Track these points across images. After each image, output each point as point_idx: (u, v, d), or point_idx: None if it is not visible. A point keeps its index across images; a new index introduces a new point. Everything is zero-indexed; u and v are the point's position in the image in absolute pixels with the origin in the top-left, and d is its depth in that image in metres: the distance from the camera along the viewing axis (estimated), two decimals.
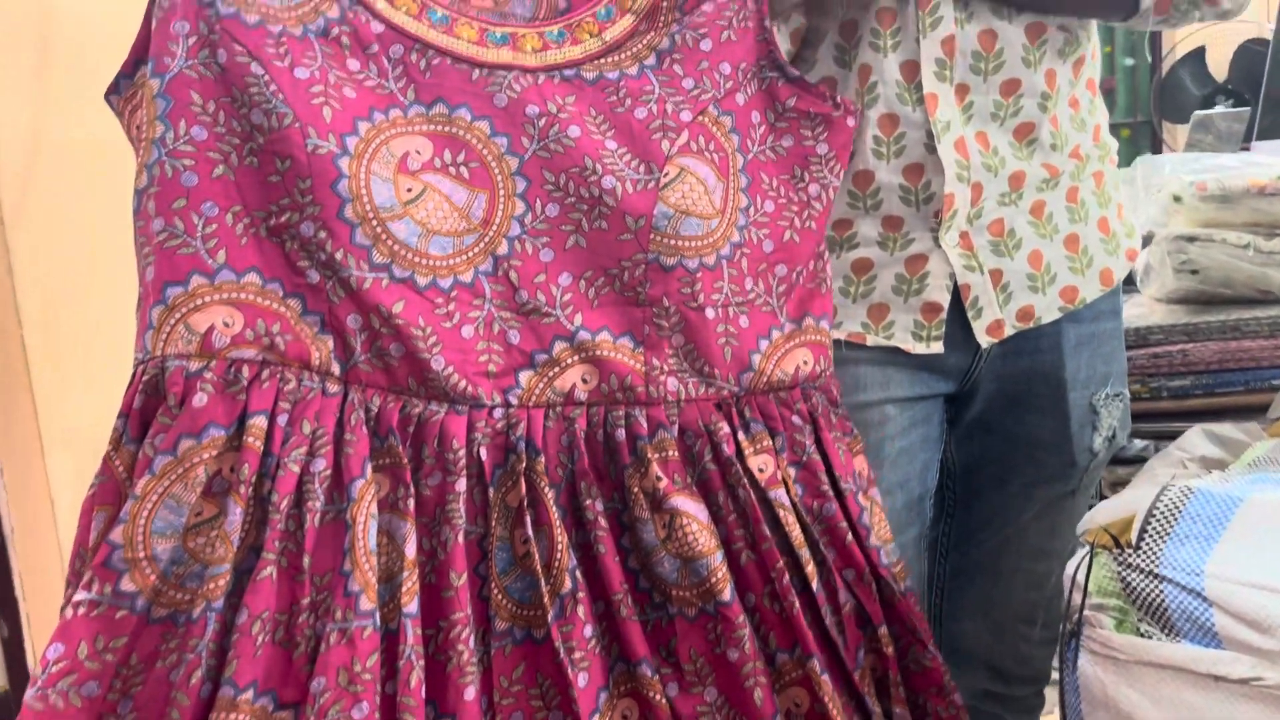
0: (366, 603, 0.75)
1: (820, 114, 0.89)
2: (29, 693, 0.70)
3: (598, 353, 0.83)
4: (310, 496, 0.76)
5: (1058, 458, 1.04)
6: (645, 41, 0.86)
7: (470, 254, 0.82)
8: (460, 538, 0.79)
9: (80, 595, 0.72)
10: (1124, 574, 0.75)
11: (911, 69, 0.91)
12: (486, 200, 0.82)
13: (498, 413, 0.82)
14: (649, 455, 0.83)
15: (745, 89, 0.88)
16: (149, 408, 0.76)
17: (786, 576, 0.84)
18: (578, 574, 0.81)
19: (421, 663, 0.76)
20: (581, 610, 0.80)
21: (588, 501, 0.82)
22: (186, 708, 0.72)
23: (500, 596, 0.81)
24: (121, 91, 0.82)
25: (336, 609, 0.75)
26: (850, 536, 0.87)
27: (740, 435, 0.86)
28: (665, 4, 0.86)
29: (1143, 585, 0.74)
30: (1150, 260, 1.26)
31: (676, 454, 0.84)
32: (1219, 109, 2.21)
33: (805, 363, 0.89)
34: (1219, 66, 3.51)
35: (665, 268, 0.84)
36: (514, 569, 0.81)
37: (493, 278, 0.82)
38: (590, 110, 0.84)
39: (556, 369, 0.83)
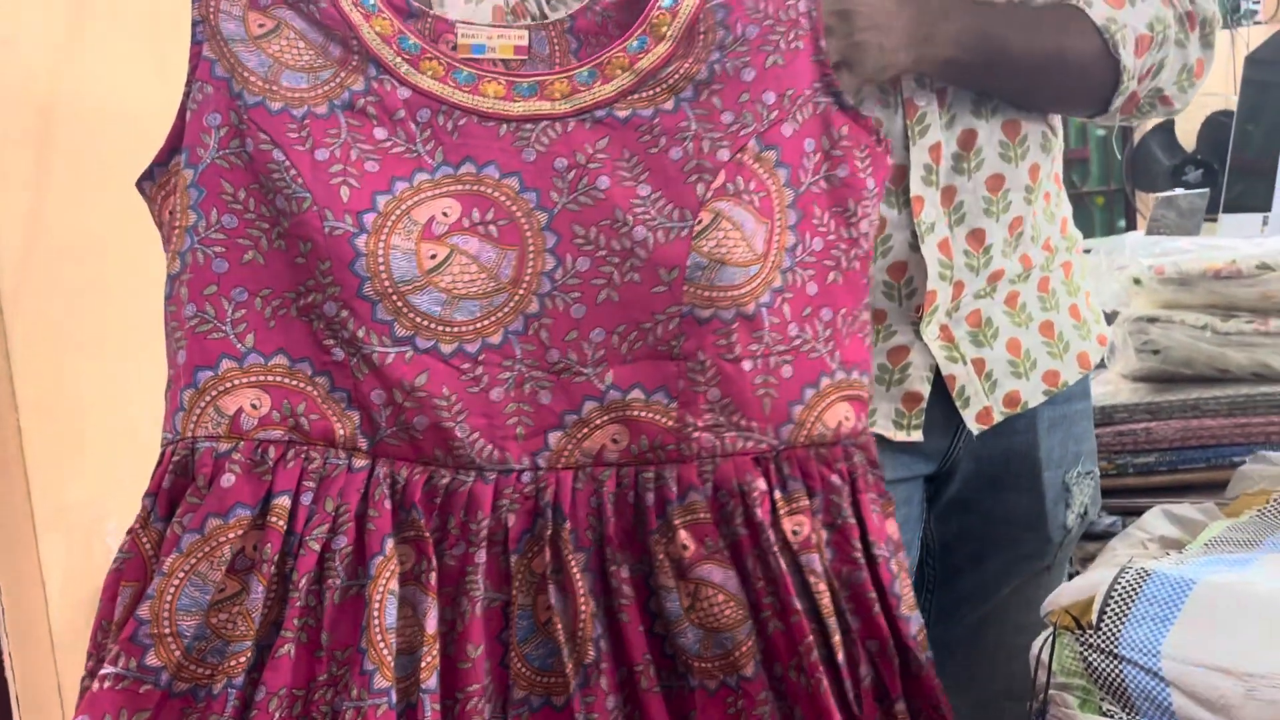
0: (381, 680, 0.76)
1: (869, 146, 0.86)
2: None
3: (629, 412, 0.82)
4: (331, 574, 0.78)
5: (1034, 534, 1.08)
6: (681, 71, 0.83)
7: (500, 314, 0.82)
8: (478, 609, 0.79)
9: (106, 669, 0.74)
10: (1085, 654, 0.78)
11: (900, 174, 0.95)
12: (516, 258, 0.82)
13: (526, 476, 0.82)
14: (675, 521, 0.81)
15: (795, 116, 0.84)
16: (177, 488, 0.79)
17: (815, 651, 0.81)
18: (601, 644, 0.80)
19: None
20: (604, 681, 0.79)
21: (613, 568, 0.81)
22: None
23: (519, 665, 0.81)
24: (155, 179, 0.85)
25: (353, 686, 0.76)
26: (878, 606, 0.83)
27: (777, 493, 0.82)
28: (703, 27, 0.82)
29: (1103, 665, 0.77)
30: (1114, 339, 1.31)
31: (708, 516, 0.81)
32: (1180, 191, 2.29)
33: (847, 418, 0.85)
34: (1187, 137, 3.62)
35: (700, 320, 0.82)
36: (535, 636, 0.81)
37: (523, 337, 0.82)
38: (623, 153, 0.82)
39: (586, 430, 0.82)
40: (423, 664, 0.77)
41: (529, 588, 0.81)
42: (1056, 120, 1.05)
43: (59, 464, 1.31)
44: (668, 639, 0.82)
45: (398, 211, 0.81)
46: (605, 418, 0.82)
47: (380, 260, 0.80)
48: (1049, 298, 1.04)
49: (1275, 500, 0.94)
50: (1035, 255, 1.02)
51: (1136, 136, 3.78)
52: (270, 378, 0.80)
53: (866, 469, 0.85)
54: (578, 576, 0.80)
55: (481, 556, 0.80)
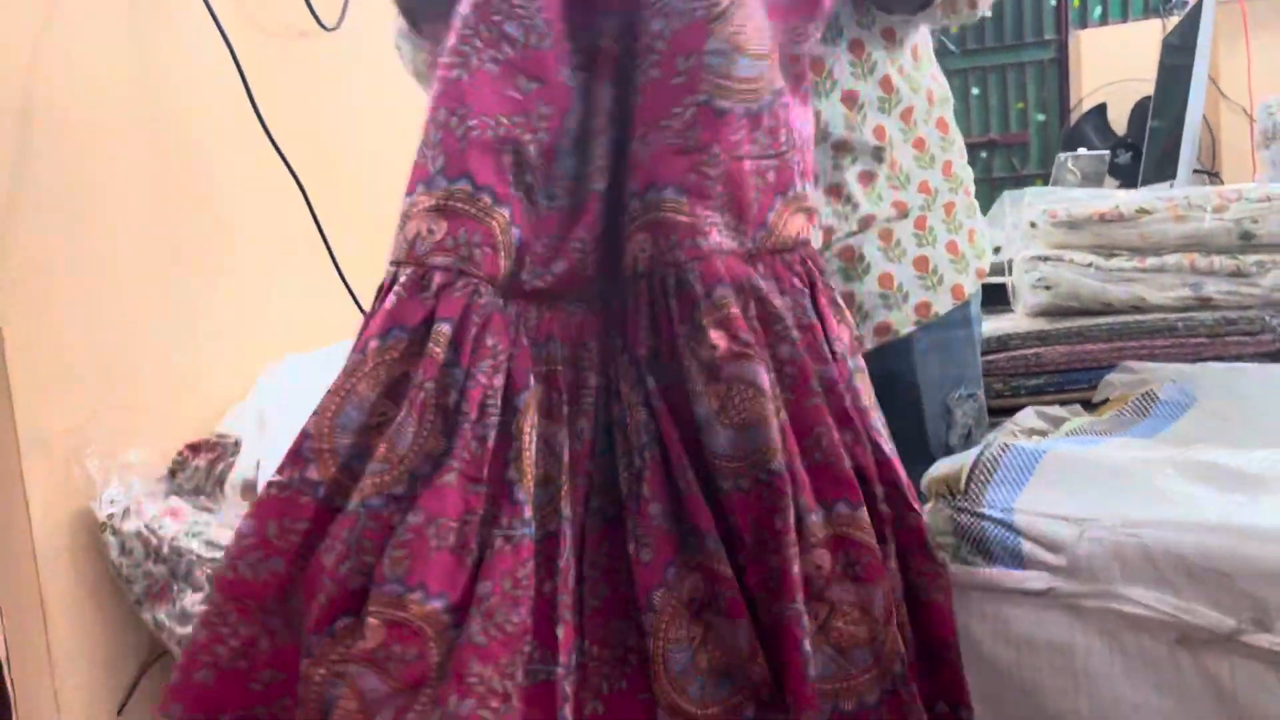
0: (528, 511, 0.76)
1: None
2: (220, 563, 0.74)
3: (648, 215, 0.81)
4: (492, 411, 0.77)
5: (917, 452, 1.17)
6: None
7: (598, 162, 0.82)
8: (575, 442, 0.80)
9: (275, 477, 0.75)
10: (954, 515, 0.90)
11: None
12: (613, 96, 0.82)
13: (613, 303, 0.82)
14: (703, 320, 0.79)
15: None
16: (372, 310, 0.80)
17: (833, 433, 0.81)
18: (645, 454, 0.79)
19: (575, 563, 0.78)
20: (646, 488, 0.78)
21: (649, 377, 0.80)
22: (334, 595, 0.73)
23: (600, 478, 0.82)
24: None
25: (503, 516, 0.76)
26: (848, 400, 0.84)
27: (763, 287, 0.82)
28: None
29: (968, 523, 0.90)
30: (1014, 280, 1.44)
31: (737, 310, 0.80)
32: (1082, 152, 2.44)
33: (803, 228, 0.86)
34: (1119, 121, 3.78)
35: (717, 112, 0.80)
36: (609, 452, 0.81)
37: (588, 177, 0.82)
38: None
39: (624, 244, 0.82)
40: (560, 493, 0.78)
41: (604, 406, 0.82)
42: (898, 79, 1.11)
43: (43, 394, 1.38)
44: (705, 445, 0.80)
45: None
46: (632, 226, 0.81)
47: (575, 119, 0.80)
48: (925, 235, 1.12)
49: (1133, 401, 1.08)
50: (911, 199, 1.10)
51: (1072, 119, 3.94)
52: (450, 202, 0.78)
53: (819, 275, 0.87)
54: (626, 388, 0.80)
55: (593, 380, 0.81)
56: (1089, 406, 1.20)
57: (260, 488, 0.79)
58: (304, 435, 0.75)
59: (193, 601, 1.41)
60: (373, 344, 0.76)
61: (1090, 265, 1.34)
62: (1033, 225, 1.39)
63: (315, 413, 0.76)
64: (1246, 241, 1.28)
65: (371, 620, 0.71)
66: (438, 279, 0.77)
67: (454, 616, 0.73)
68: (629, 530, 0.78)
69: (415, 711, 0.71)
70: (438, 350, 0.75)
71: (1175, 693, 0.78)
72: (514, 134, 0.79)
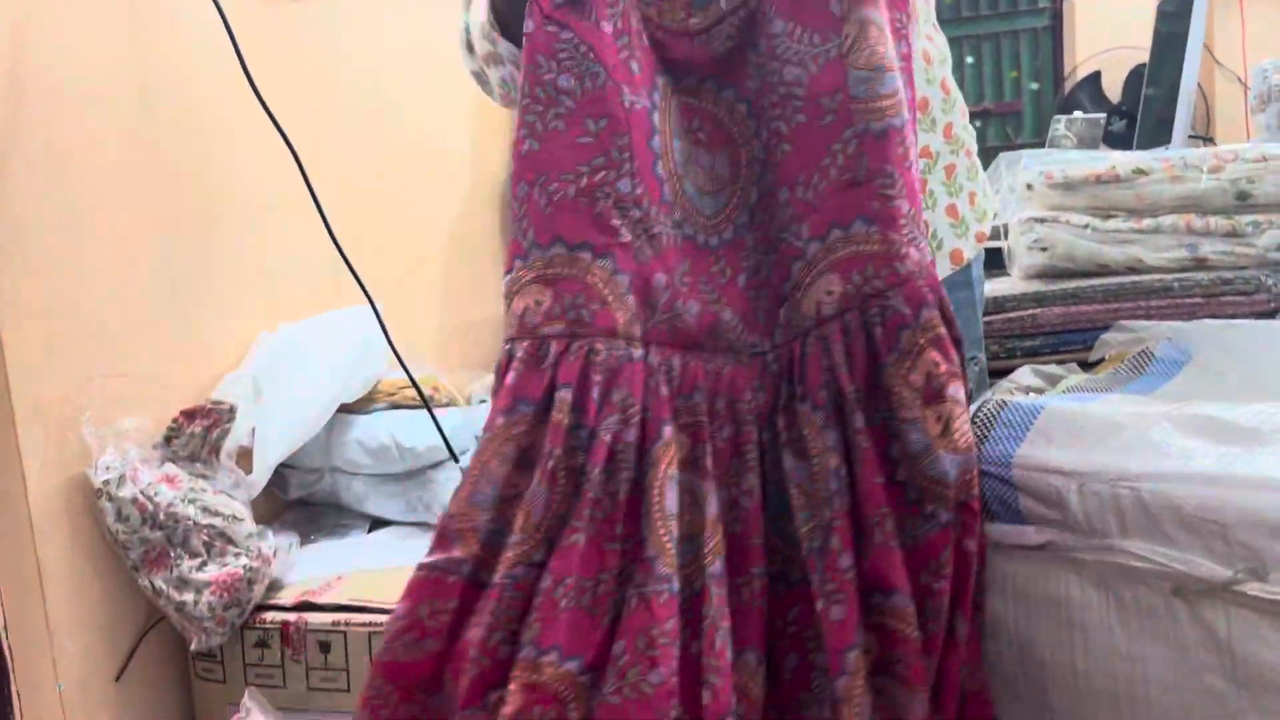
0: (663, 567, 0.75)
1: None
2: (380, 646, 0.76)
3: (832, 255, 0.79)
4: (624, 466, 0.76)
5: None
6: None
7: (729, 210, 0.82)
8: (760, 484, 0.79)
9: (424, 559, 0.77)
10: None
11: None
12: (728, 156, 0.82)
13: (770, 356, 0.81)
14: (918, 342, 0.78)
15: None
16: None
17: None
18: (835, 503, 0.77)
19: (726, 624, 0.76)
20: (836, 540, 0.76)
21: (850, 419, 0.78)
22: (485, 669, 0.74)
23: (773, 539, 0.80)
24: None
25: (636, 574, 0.75)
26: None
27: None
28: None
29: None
30: (1010, 243, 1.44)
31: (944, 332, 0.79)
32: (1079, 115, 2.43)
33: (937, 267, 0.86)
34: (1113, 89, 3.77)
35: (876, 135, 0.79)
36: (782, 511, 0.80)
37: (751, 226, 0.82)
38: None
39: (799, 293, 0.80)
40: (705, 549, 0.76)
41: (775, 461, 0.81)
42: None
43: (36, 361, 1.38)
44: (911, 481, 0.78)
45: (670, 95, 0.81)
46: (812, 272, 0.79)
47: (668, 140, 0.79)
48: (927, 198, 1.10)
49: (1129, 359, 1.08)
50: None
51: (1066, 88, 3.93)
52: (550, 270, 0.77)
53: None
54: (812, 437, 0.78)
55: (753, 435, 0.80)
56: (1085, 366, 1.20)
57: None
58: (448, 516, 0.77)
59: (190, 567, 1.41)
60: (499, 420, 0.77)
61: (1086, 227, 1.34)
62: (1029, 187, 1.39)
63: (454, 494, 0.77)
64: (1242, 202, 1.28)
65: (511, 686, 0.72)
66: (553, 348, 0.77)
67: (591, 678, 0.73)
68: (817, 587, 0.76)
69: None
70: (560, 416, 0.76)
71: (1171, 643, 0.79)
72: (598, 179, 0.78)
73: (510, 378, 0.77)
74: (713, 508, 0.78)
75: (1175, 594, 0.78)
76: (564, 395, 0.76)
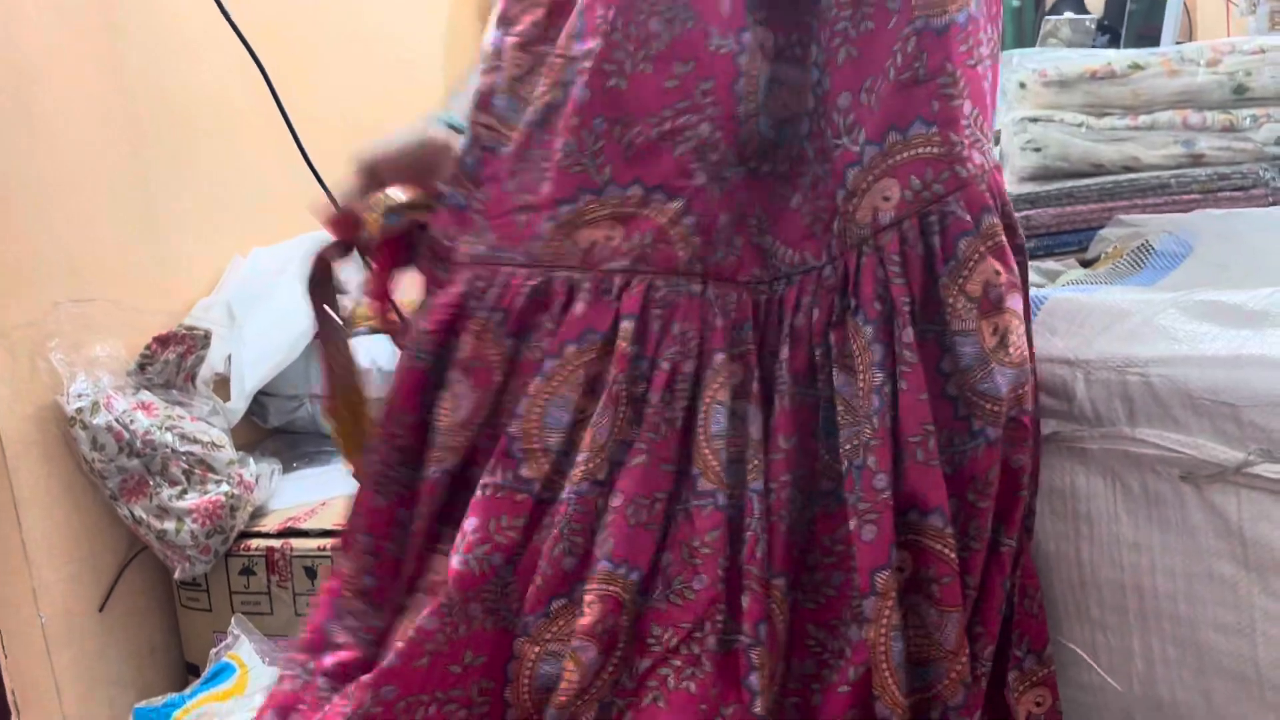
0: (705, 484, 0.78)
1: None
2: (454, 557, 0.78)
3: (889, 160, 0.76)
4: (681, 395, 0.79)
5: None
6: None
7: (796, 127, 0.80)
8: (786, 403, 0.79)
9: (487, 479, 0.79)
10: None
11: None
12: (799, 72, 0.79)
13: (826, 270, 0.79)
14: (978, 250, 0.76)
15: None
16: (527, 309, 0.80)
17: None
18: (875, 421, 0.76)
19: (766, 536, 0.78)
20: (873, 459, 0.76)
21: (899, 333, 0.76)
22: (549, 577, 0.77)
23: (827, 456, 0.80)
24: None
25: (683, 491, 0.79)
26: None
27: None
28: None
29: None
30: (1003, 145, 1.40)
31: (1004, 239, 0.77)
32: (1069, 15, 2.38)
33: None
34: (1096, 3, 3.71)
35: (938, 30, 0.75)
36: (834, 428, 0.80)
37: (811, 136, 0.80)
38: None
39: (855, 200, 0.77)
40: (749, 466, 0.78)
41: (830, 379, 0.80)
42: None
43: (1, 287, 1.34)
44: (963, 396, 0.77)
45: (760, 31, 0.78)
46: (868, 179, 0.77)
47: (755, 81, 0.78)
48: None
49: (1128, 254, 1.05)
50: None
51: (1048, 3, 3.87)
52: (625, 209, 0.79)
53: None
54: (859, 351, 0.77)
55: (785, 352, 0.79)
56: (1083, 265, 1.17)
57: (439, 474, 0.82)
58: (510, 439, 0.79)
59: (170, 495, 1.39)
60: (570, 349, 0.79)
61: (1081, 125, 1.30)
62: (1022, 86, 1.35)
63: (519, 417, 0.79)
64: (1240, 95, 1.24)
65: (589, 597, 0.76)
66: (617, 281, 0.79)
67: (642, 585, 0.78)
68: (852, 505, 0.76)
69: (608, 672, 0.76)
70: (625, 344, 0.78)
71: (1179, 529, 0.77)
72: (681, 122, 0.78)
73: (579, 308, 0.79)
74: (756, 429, 0.79)
75: (1184, 480, 0.77)
76: (627, 325, 0.78)
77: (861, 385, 0.77)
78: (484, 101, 0.83)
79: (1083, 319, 0.84)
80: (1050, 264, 1.07)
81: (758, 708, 0.75)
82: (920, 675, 0.79)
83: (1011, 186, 1.38)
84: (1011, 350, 0.75)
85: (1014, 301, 0.76)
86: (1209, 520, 0.76)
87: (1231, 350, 0.76)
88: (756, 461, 0.79)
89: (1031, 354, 0.79)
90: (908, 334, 0.76)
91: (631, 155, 0.78)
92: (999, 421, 0.75)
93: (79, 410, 1.35)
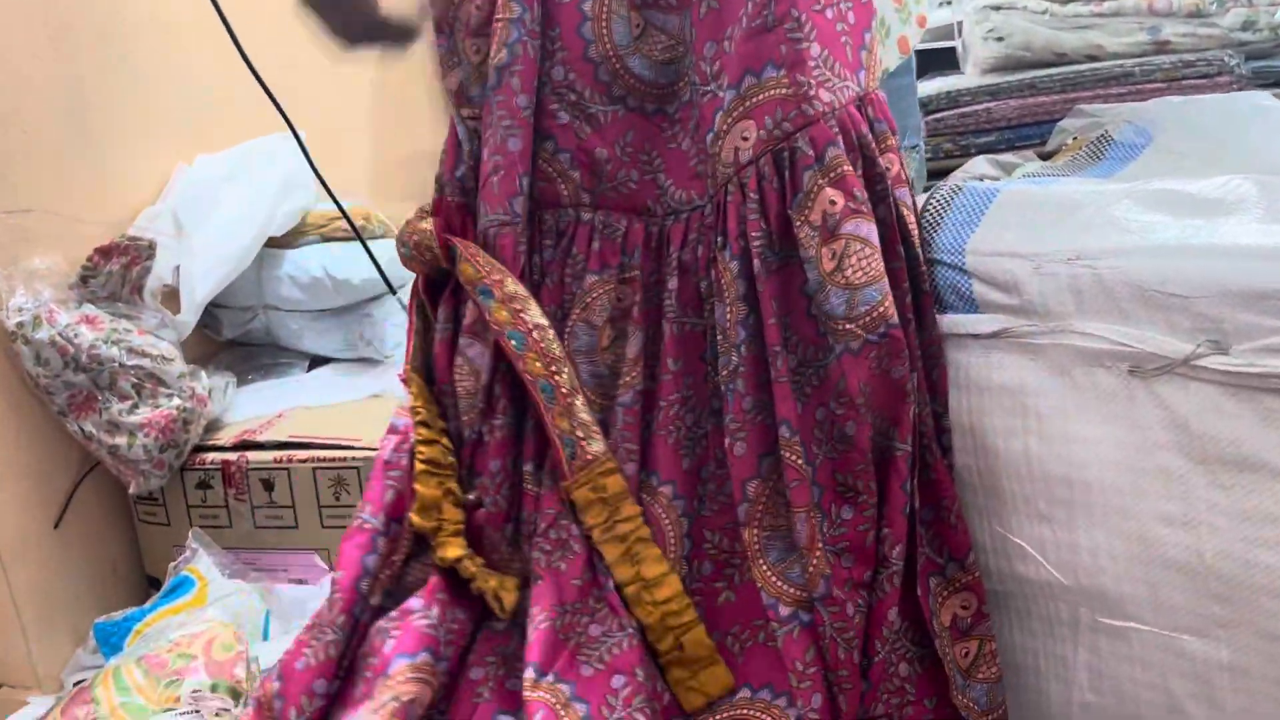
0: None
1: None
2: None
3: (746, 103, 0.82)
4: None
5: None
6: None
7: (687, 74, 0.86)
8: (674, 329, 0.87)
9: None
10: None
11: None
12: (680, 21, 0.85)
13: (708, 208, 0.86)
14: (818, 182, 0.81)
15: None
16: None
17: (909, 296, 0.85)
18: (743, 349, 0.84)
19: (637, 445, 0.88)
20: (741, 383, 0.84)
21: (756, 263, 0.83)
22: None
23: (716, 380, 0.87)
24: None
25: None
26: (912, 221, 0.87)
27: (869, 136, 0.85)
28: None
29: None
30: (965, 38, 1.37)
31: (849, 169, 0.82)
32: None
33: (883, 60, 0.90)
34: None
35: None
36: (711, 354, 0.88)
37: (693, 83, 0.86)
38: None
39: (720, 142, 0.84)
40: (620, 382, 0.88)
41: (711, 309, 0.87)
42: None
43: None
44: (818, 316, 0.83)
45: None
46: (729, 121, 0.83)
47: (603, 24, 0.85)
48: None
49: (1087, 145, 1.03)
50: None
51: None
52: (541, 159, 0.88)
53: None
54: (727, 285, 0.84)
55: (674, 283, 0.87)
56: (1042, 158, 1.15)
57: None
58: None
59: (120, 410, 1.36)
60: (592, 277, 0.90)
61: (1045, 12, 1.26)
62: None
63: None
64: None
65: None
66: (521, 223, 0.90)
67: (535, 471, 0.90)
68: (727, 424, 0.84)
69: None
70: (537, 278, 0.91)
71: (1127, 423, 0.77)
72: (541, 68, 0.86)
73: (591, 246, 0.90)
74: (633, 348, 0.87)
75: (1133, 374, 0.76)
76: (535, 259, 0.89)
77: (730, 316, 0.83)
78: (459, 98, 0.90)
79: (1034, 212, 0.82)
80: (1008, 157, 1.04)
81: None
82: (797, 573, 0.85)
83: (973, 78, 1.35)
84: (848, 272, 0.80)
85: (854, 226, 0.81)
86: (1157, 414, 0.75)
87: (1182, 240, 0.75)
88: (629, 378, 0.87)
89: (932, 266, 0.84)
90: (757, 265, 0.82)
91: (544, 114, 0.87)
92: (844, 338, 0.81)
93: (20, 325, 1.31)
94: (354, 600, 0.85)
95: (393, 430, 0.92)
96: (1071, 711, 0.85)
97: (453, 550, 0.86)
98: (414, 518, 0.86)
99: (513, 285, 0.86)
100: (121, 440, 1.36)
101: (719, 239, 0.85)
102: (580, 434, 0.85)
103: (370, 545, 0.87)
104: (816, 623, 0.83)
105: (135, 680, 0.95)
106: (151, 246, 1.44)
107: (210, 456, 1.41)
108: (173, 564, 1.35)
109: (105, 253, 1.41)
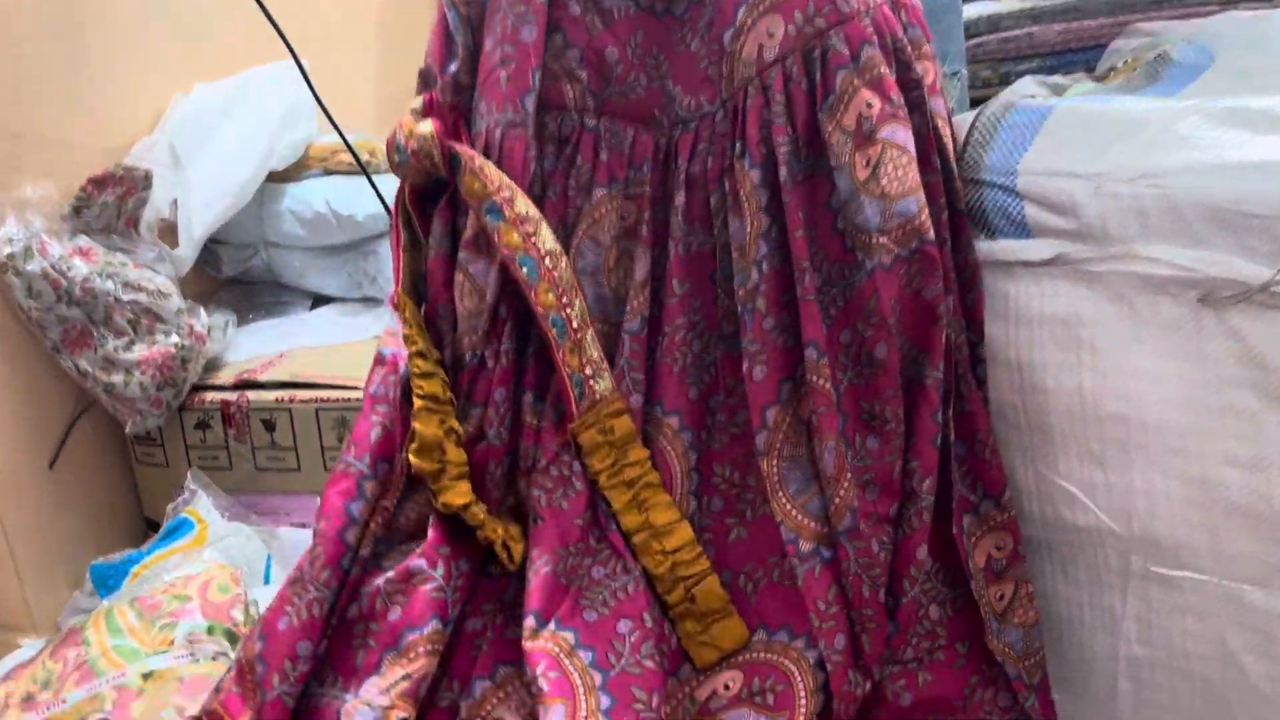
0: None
1: None
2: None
3: None
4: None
5: None
6: None
7: None
8: (680, 249, 0.82)
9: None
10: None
11: None
12: None
13: (720, 115, 0.80)
14: (853, 83, 0.76)
15: None
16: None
17: (945, 212, 0.79)
18: (763, 265, 0.78)
19: (643, 375, 0.82)
20: (762, 302, 0.79)
21: (782, 171, 0.77)
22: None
23: (726, 300, 0.82)
24: None
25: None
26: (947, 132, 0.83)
27: (906, 40, 0.80)
28: None
29: (968, 194, 0.80)
30: None
31: (885, 70, 0.77)
32: None
33: None
34: None
35: None
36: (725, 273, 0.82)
37: None
38: None
39: (741, 38, 0.78)
40: (628, 307, 0.82)
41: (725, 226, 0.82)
42: None
43: None
44: (846, 230, 0.79)
45: None
46: (754, 15, 0.78)
47: None
48: None
49: (1143, 65, 0.96)
50: None
51: None
52: (548, 55, 0.81)
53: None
54: (746, 195, 0.78)
55: (680, 199, 0.81)
56: (1094, 79, 1.08)
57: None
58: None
59: (116, 346, 1.31)
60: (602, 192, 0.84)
61: None
62: None
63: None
64: None
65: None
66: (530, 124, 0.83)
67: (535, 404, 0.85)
68: (745, 348, 0.79)
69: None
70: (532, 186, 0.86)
71: (1193, 356, 0.71)
72: None
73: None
74: (641, 270, 0.81)
75: (1202, 302, 0.70)
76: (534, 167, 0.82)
77: (750, 229, 0.78)
78: None
79: (1093, 129, 0.76)
80: (1056, 78, 0.98)
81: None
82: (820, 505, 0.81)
83: (1014, 1, 1.27)
84: (884, 181, 0.75)
85: (890, 132, 0.76)
86: (1228, 347, 0.69)
87: (1261, 157, 0.68)
88: (637, 302, 0.81)
89: (962, 181, 0.77)
90: (783, 174, 0.77)
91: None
92: (876, 253, 0.76)
93: (10, 256, 1.26)
94: (340, 553, 0.79)
95: (379, 361, 0.85)
96: (1117, 665, 0.81)
97: (457, 496, 0.80)
98: (413, 459, 0.80)
99: (523, 204, 0.80)
100: (117, 378, 1.32)
101: (736, 146, 0.78)
102: (589, 371, 0.80)
103: (355, 491, 0.81)
104: (840, 558, 0.78)
105: (128, 622, 0.91)
106: (148, 177, 1.39)
107: (210, 396, 1.36)
108: (171, 505, 1.31)
109: (99, 183, 1.36)
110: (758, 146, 0.78)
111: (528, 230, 0.79)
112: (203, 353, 1.38)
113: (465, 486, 0.82)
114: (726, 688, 0.79)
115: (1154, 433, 0.74)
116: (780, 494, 0.80)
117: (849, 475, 0.78)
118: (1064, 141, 0.76)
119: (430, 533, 0.81)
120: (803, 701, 0.77)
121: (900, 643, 0.80)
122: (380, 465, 0.82)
